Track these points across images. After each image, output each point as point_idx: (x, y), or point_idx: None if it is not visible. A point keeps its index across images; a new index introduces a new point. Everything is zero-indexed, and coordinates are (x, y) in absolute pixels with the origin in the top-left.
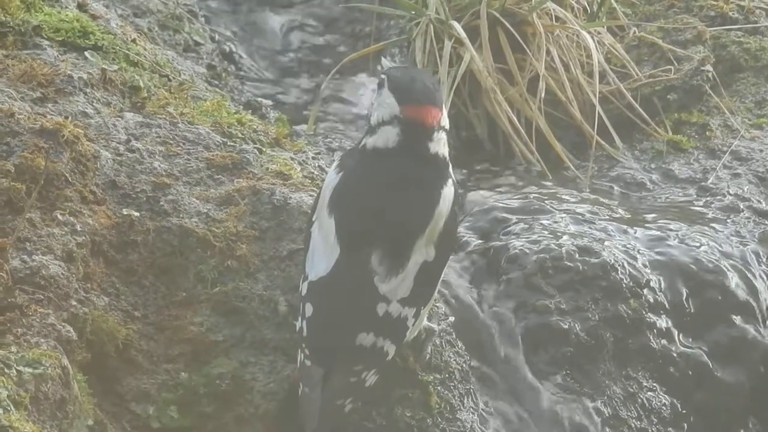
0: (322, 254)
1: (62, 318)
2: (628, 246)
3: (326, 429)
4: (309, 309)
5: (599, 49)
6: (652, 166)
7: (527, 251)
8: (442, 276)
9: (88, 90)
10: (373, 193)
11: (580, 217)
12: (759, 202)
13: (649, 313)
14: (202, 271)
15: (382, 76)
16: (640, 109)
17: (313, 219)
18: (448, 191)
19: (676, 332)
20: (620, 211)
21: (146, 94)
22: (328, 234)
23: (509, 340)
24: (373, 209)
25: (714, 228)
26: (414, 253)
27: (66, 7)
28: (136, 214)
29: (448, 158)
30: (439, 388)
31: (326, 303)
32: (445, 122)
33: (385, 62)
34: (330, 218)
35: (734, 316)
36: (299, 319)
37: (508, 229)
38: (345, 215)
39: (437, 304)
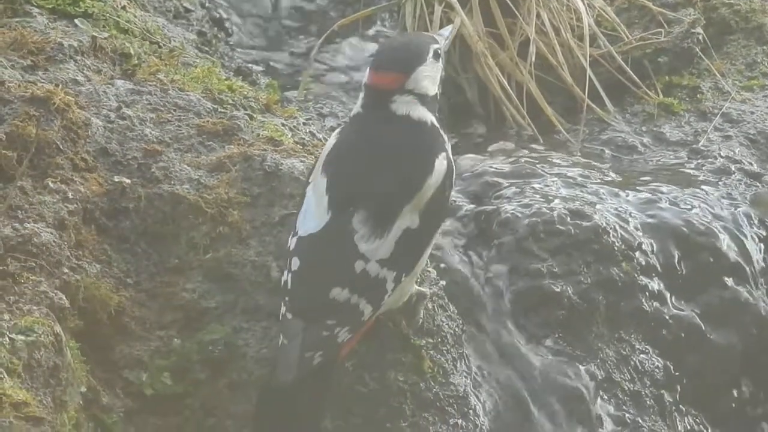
0: (314, 213)
1: (54, 285)
2: (619, 209)
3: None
4: (295, 262)
5: (589, 12)
6: (643, 128)
7: (519, 215)
8: (432, 245)
9: (78, 57)
10: (365, 155)
11: (571, 180)
12: (750, 164)
13: (641, 276)
14: (194, 238)
15: None
16: (631, 72)
17: (309, 180)
18: (440, 163)
19: (668, 295)
20: (612, 174)
21: (137, 61)
22: (322, 195)
23: (501, 303)
24: (364, 171)
25: (705, 190)
26: (399, 218)
27: None
28: (128, 181)
29: (437, 125)
30: (431, 352)
31: (312, 257)
32: (415, 86)
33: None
34: (323, 178)
35: (726, 278)
36: (285, 272)
37: (500, 193)
38: (337, 176)
39: (428, 269)
